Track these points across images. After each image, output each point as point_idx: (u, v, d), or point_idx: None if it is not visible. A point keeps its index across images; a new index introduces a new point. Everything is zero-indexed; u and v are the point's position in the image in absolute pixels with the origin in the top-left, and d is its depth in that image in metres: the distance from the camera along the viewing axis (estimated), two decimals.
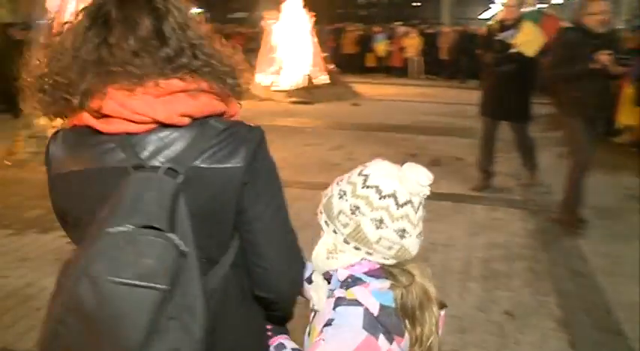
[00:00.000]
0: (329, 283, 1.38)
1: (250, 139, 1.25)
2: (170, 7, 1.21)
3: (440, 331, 1.37)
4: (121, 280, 1.04)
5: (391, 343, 1.25)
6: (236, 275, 1.31)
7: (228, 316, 1.32)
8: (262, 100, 13.07)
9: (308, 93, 13.45)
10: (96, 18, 1.18)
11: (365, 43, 20.53)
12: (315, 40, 14.51)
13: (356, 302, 1.26)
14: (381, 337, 1.23)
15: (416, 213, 1.32)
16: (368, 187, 1.31)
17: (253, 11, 15.04)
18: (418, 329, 1.30)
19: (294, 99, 13.08)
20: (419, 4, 38.13)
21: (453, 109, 11.83)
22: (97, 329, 1.07)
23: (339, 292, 1.31)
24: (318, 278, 1.41)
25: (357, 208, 1.30)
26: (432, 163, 7.24)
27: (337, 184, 1.38)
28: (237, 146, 1.23)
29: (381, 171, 1.33)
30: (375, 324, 1.24)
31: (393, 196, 1.29)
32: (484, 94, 6.16)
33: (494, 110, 5.97)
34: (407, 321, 1.29)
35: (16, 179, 6.63)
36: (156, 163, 1.17)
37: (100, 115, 1.16)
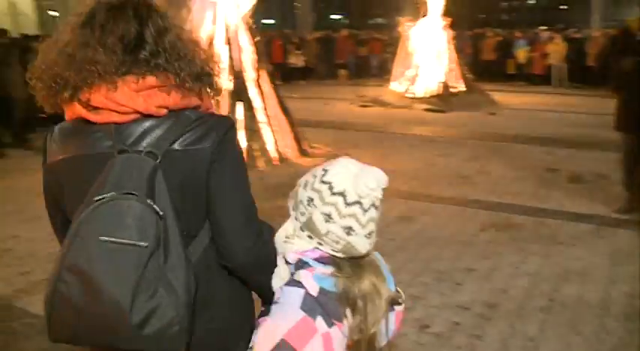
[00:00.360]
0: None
1: (219, 126, 1.43)
2: (152, 15, 1.41)
3: (393, 327, 1.48)
4: (107, 238, 1.25)
5: (330, 326, 1.33)
6: (213, 264, 1.47)
7: (216, 290, 1.47)
8: (395, 108, 12.95)
9: (443, 101, 13.06)
10: (87, 22, 1.38)
11: (505, 49, 19.65)
12: (452, 46, 14.12)
13: (299, 284, 1.35)
14: (319, 318, 1.32)
15: (364, 214, 1.37)
16: (323, 182, 1.37)
17: (393, 17, 14.90)
18: (358, 318, 1.36)
19: (428, 107, 12.79)
20: (565, 7, 36.01)
21: (600, 120, 10.87)
22: (92, 286, 1.25)
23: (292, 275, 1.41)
24: (280, 260, 1.47)
25: (312, 200, 1.38)
26: (571, 180, 6.72)
27: (309, 174, 1.45)
28: (207, 131, 1.41)
29: (339, 168, 1.39)
30: (314, 306, 1.32)
31: (342, 194, 1.36)
32: (621, 106, 5.43)
33: (634, 123, 5.24)
34: (348, 309, 1.36)
35: None
36: (139, 148, 1.35)
37: (90, 107, 1.35)
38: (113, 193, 1.27)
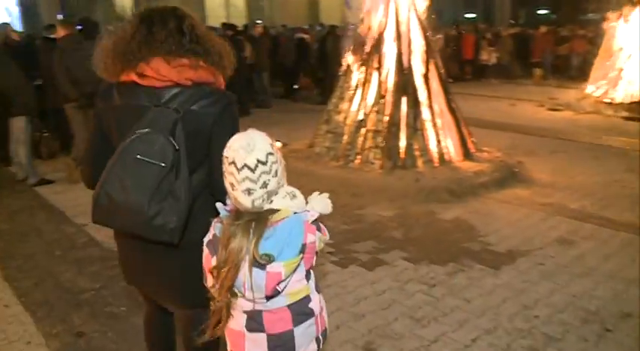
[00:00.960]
0: None
1: (223, 100, 2.11)
2: (187, 17, 2.12)
3: (261, 283, 1.84)
4: (141, 157, 1.90)
5: (212, 255, 1.91)
6: (205, 192, 2.16)
7: (203, 207, 2.12)
8: (588, 114, 11.65)
9: None
10: (144, 20, 2.09)
11: None
12: None
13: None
14: (206, 249, 1.96)
15: (239, 173, 1.79)
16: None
17: (605, 12, 13.36)
18: (218, 256, 1.86)
19: (627, 114, 11.30)
20: None
21: None
22: (125, 187, 1.91)
23: None
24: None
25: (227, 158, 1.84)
26: None
27: None
28: (215, 102, 2.08)
29: (234, 136, 1.85)
30: (208, 242, 1.96)
31: (226, 156, 1.83)
32: None
33: None
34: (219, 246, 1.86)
35: (307, 171, 6.97)
36: (169, 105, 2.03)
37: (141, 75, 2.04)
38: (148, 129, 1.96)
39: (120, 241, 2.33)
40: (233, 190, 1.81)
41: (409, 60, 7.03)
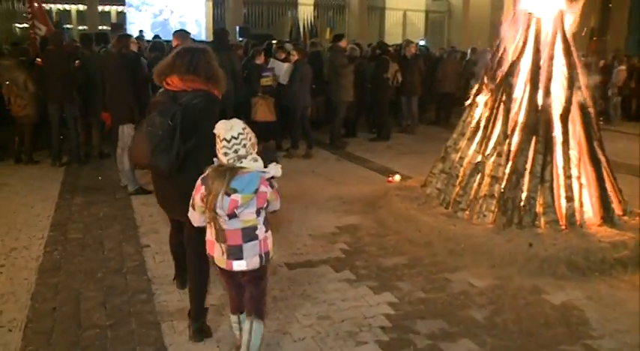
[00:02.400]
0: None
1: (207, 98, 3.68)
2: (203, 54, 3.80)
3: (227, 206, 3.05)
4: (148, 128, 3.52)
5: (202, 186, 3.16)
6: (195, 152, 3.53)
7: (193, 161, 3.51)
8: None
9: None
10: (176, 53, 3.79)
11: None
12: None
13: None
14: (200, 182, 3.19)
15: (220, 143, 3.09)
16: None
17: None
18: (206, 189, 3.12)
19: None
20: None
21: None
22: (142, 141, 3.54)
23: None
24: None
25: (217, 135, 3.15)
26: None
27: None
28: (202, 99, 3.63)
29: (224, 121, 3.17)
30: (202, 178, 3.18)
31: (217, 133, 3.12)
32: None
33: None
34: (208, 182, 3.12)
35: (408, 215, 5.98)
36: (178, 102, 3.61)
37: (167, 84, 3.73)
38: (156, 113, 3.55)
39: (153, 178, 4.02)
40: (219, 152, 3.12)
41: (546, 94, 5.73)
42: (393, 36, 23.92)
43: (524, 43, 5.92)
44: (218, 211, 3.08)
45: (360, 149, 10.35)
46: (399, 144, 10.93)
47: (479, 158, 5.94)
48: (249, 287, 3.39)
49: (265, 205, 3.17)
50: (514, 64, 5.92)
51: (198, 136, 3.53)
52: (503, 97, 5.91)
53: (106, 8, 23.46)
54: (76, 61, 8.56)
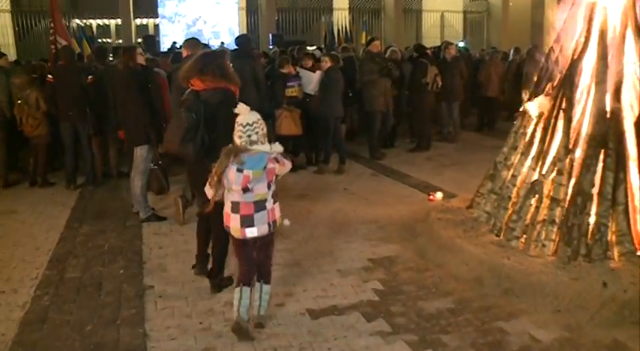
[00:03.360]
0: None
1: (224, 94, 4.36)
2: (219, 57, 4.68)
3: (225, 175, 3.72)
4: (178, 121, 4.80)
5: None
6: (219, 139, 4.13)
7: (216, 146, 3.97)
8: None
9: None
10: (197, 58, 4.54)
11: None
12: None
13: None
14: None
15: (237, 127, 3.74)
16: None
17: None
18: (218, 163, 3.74)
19: None
20: None
21: None
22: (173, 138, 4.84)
23: None
24: None
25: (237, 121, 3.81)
26: None
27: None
28: (220, 95, 4.35)
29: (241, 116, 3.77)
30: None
31: (237, 121, 3.77)
32: None
33: None
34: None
35: (452, 244, 5.07)
36: (201, 99, 4.35)
37: (191, 85, 4.44)
38: (182, 109, 4.47)
39: (186, 164, 4.98)
40: (235, 136, 3.75)
41: (615, 99, 4.77)
42: (430, 39, 22.87)
43: (587, 38, 4.96)
44: (234, 186, 3.72)
45: (397, 161, 9.44)
46: (440, 154, 9.97)
47: (535, 176, 5.00)
48: (260, 254, 4.01)
49: (275, 179, 3.86)
50: (575, 64, 4.97)
51: (219, 126, 4.28)
52: (563, 104, 4.96)
53: (144, 21, 23.20)
54: (89, 77, 7.93)
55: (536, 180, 4.97)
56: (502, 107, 12.41)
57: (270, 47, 17.97)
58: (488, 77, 11.82)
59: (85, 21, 21.58)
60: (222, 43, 18.74)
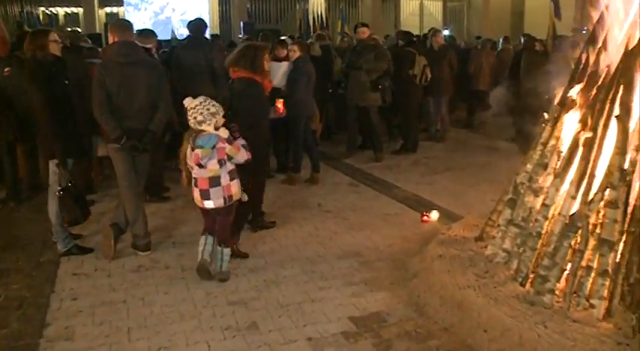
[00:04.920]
0: None
1: (248, 82, 4.80)
2: (254, 49, 4.93)
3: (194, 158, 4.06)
4: None
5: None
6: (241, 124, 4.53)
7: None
8: None
9: None
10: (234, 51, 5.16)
11: None
12: None
13: None
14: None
15: (187, 111, 4.08)
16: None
17: None
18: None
19: None
20: None
21: None
22: None
23: None
24: None
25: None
26: None
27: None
28: (245, 83, 4.80)
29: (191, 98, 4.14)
30: None
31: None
32: None
33: None
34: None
35: (459, 298, 3.65)
36: (232, 86, 4.97)
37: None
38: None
39: None
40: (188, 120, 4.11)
41: None
42: (409, 28, 21.25)
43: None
44: (189, 162, 4.15)
45: (380, 166, 7.97)
46: (429, 157, 8.54)
47: (576, 207, 3.60)
48: (219, 219, 4.38)
49: (226, 158, 4.13)
50: (631, 56, 3.56)
51: (240, 114, 4.67)
52: (615, 109, 3.56)
53: (114, 9, 21.31)
54: (6, 69, 6.30)
55: (577, 212, 3.57)
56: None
57: (240, 36, 16.35)
58: (478, 69, 10.42)
59: (51, 9, 19.84)
60: (173, 31, 16.95)
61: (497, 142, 9.55)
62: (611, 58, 3.70)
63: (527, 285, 3.70)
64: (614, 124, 3.54)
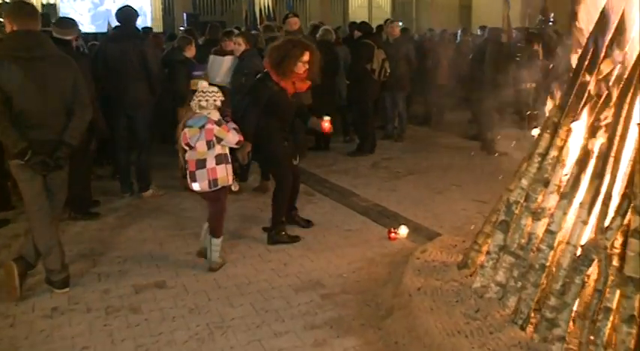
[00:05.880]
0: None
1: (258, 75, 4.84)
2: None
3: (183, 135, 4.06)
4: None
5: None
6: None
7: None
8: None
9: None
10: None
11: None
12: None
13: None
14: None
15: (196, 97, 4.10)
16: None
17: None
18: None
19: None
20: None
21: None
22: None
23: None
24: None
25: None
26: None
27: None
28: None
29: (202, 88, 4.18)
30: None
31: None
32: None
33: None
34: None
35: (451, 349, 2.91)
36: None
37: None
38: None
39: None
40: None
41: None
42: (357, 20, 20.69)
43: None
44: (180, 142, 4.10)
45: (337, 171, 7.18)
46: (388, 158, 7.80)
47: (587, 234, 2.90)
48: (209, 207, 4.34)
49: (215, 139, 4.05)
50: None
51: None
52: (635, 113, 2.86)
53: (51, 0, 19.67)
54: None
55: (590, 241, 2.87)
56: (451, 96, 10.42)
57: (182, 28, 15.25)
58: (436, 62, 9.73)
59: None
60: (109, 22, 15.65)
61: (458, 140, 8.92)
62: (626, 52, 3.01)
63: (530, 329, 2.99)
64: (634, 130, 2.85)
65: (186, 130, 4.03)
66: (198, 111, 4.06)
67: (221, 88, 6.04)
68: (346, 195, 6.16)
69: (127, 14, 5.92)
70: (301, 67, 4.65)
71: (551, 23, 9.45)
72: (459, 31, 10.85)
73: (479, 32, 11.09)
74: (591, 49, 3.17)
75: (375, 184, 6.56)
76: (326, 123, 4.88)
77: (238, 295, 3.92)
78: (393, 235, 4.82)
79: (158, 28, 18.99)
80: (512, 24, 10.75)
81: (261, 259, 4.53)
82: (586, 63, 3.18)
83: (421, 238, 4.82)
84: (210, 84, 6.09)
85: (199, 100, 4.05)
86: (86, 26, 17.51)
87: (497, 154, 7.64)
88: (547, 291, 3.00)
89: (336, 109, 8.64)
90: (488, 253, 3.44)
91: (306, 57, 4.62)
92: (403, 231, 4.86)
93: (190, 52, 6.44)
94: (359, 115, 8.22)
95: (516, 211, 3.34)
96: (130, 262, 4.49)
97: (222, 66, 6.22)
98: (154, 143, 6.79)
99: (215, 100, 4.08)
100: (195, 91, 6.40)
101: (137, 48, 5.77)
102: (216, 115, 4.10)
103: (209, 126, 4.02)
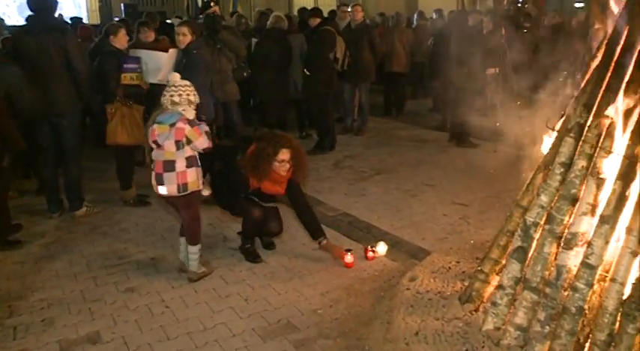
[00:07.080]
0: None
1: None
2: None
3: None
4: None
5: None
6: None
7: None
8: None
9: None
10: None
11: None
12: None
13: None
14: None
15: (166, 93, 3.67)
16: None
17: None
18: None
19: None
20: None
21: None
22: None
23: None
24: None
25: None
26: None
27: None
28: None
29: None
30: None
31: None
32: None
33: None
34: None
35: None
36: None
37: None
38: None
39: None
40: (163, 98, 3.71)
41: None
42: (302, 6, 19.87)
43: None
44: (148, 140, 3.72)
45: None
46: (351, 156, 7.05)
47: (638, 266, 2.24)
48: (182, 214, 3.92)
49: (185, 140, 3.63)
50: None
51: None
52: None
53: None
54: None
55: (617, 270, 2.21)
56: (410, 84, 9.78)
57: (116, 19, 14.05)
58: (392, 49, 9.01)
59: None
60: (61, 14, 14.40)
61: (422, 131, 8.26)
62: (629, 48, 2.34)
63: None
64: None
65: (155, 126, 3.65)
66: (170, 107, 3.66)
67: (160, 87, 5.21)
68: (310, 203, 5.37)
69: (43, 4, 4.93)
70: (280, 168, 3.92)
71: (519, 4, 8.92)
72: (415, 15, 10.16)
73: (434, 16, 10.40)
74: (625, 31, 2.49)
75: (340, 189, 5.81)
76: (347, 256, 3.98)
77: (192, 348, 3.11)
78: (370, 254, 4.08)
79: (95, 20, 17.70)
80: (467, 6, 10.22)
81: (215, 293, 3.72)
82: (619, 48, 2.51)
83: (403, 254, 4.12)
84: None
85: (171, 96, 3.65)
86: (13, 18, 16.04)
87: (468, 146, 7.07)
88: (589, 342, 2.33)
89: (290, 101, 7.90)
90: (501, 286, 2.74)
91: (282, 156, 3.89)
92: (382, 249, 4.14)
93: (120, 41, 5.47)
94: (318, 109, 7.40)
95: (535, 235, 2.66)
96: (57, 308, 3.59)
97: (162, 62, 5.31)
98: (85, 147, 5.84)
99: (189, 95, 3.69)
100: (127, 85, 5.64)
101: (57, 42, 4.82)
102: (191, 114, 3.71)
103: (180, 124, 3.62)
